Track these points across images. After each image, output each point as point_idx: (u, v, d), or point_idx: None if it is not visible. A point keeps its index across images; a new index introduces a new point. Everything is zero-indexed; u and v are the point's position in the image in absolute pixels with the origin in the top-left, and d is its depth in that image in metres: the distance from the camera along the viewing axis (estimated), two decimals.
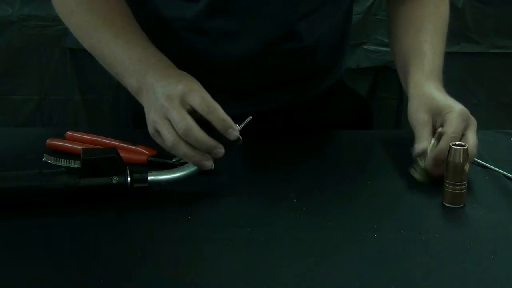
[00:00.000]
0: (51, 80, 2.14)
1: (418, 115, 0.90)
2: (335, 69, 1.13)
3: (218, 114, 0.80)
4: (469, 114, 0.88)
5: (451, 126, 0.85)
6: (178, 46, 1.01)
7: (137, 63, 0.88)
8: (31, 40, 2.05)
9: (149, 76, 0.85)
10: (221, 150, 0.80)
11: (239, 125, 0.82)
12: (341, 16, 1.07)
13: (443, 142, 0.85)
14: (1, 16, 2.08)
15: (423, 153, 0.87)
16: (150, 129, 0.84)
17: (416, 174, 0.87)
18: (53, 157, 0.82)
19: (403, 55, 1.02)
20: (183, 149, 0.80)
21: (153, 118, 0.82)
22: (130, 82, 0.88)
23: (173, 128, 0.80)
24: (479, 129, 0.88)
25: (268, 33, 0.98)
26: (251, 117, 0.82)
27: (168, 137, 0.80)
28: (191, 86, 0.82)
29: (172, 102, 0.80)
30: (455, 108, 0.87)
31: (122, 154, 0.83)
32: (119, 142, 0.93)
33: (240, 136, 0.81)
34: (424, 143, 0.87)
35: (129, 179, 0.80)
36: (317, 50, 1.04)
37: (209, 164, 0.81)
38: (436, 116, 0.89)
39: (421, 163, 0.87)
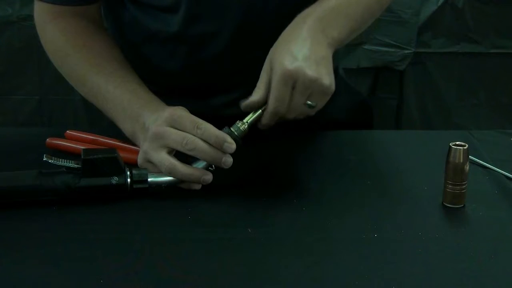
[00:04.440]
0: (51, 80, 2.13)
1: (266, 60, 0.84)
2: None
3: (210, 132, 0.81)
4: (297, 72, 0.80)
5: (272, 96, 0.81)
6: (164, 56, 1.02)
7: (128, 109, 0.89)
8: (31, 40, 2.04)
9: (140, 118, 0.87)
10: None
11: (247, 120, 0.83)
12: None
13: (266, 116, 0.82)
14: (1, 16, 2.07)
15: (251, 107, 0.83)
16: (140, 161, 0.85)
17: (233, 134, 0.81)
18: (53, 157, 0.82)
19: None
20: (181, 170, 0.81)
21: (145, 149, 0.83)
22: (124, 127, 0.90)
23: (167, 153, 0.81)
24: (479, 129, 0.87)
25: (246, 26, 0.98)
26: (261, 110, 0.83)
27: (163, 162, 0.81)
28: (178, 112, 0.83)
29: (164, 128, 0.82)
30: (276, 69, 0.81)
31: (122, 154, 0.83)
32: (119, 142, 0.93)
33: (239, 134, 0.82)
34: (254, 96, 0.83)
35: (129, 179, 0.80)
36: None
37: (209, 178, 0.82)
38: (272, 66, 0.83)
39: (241, 125, 0.82)
